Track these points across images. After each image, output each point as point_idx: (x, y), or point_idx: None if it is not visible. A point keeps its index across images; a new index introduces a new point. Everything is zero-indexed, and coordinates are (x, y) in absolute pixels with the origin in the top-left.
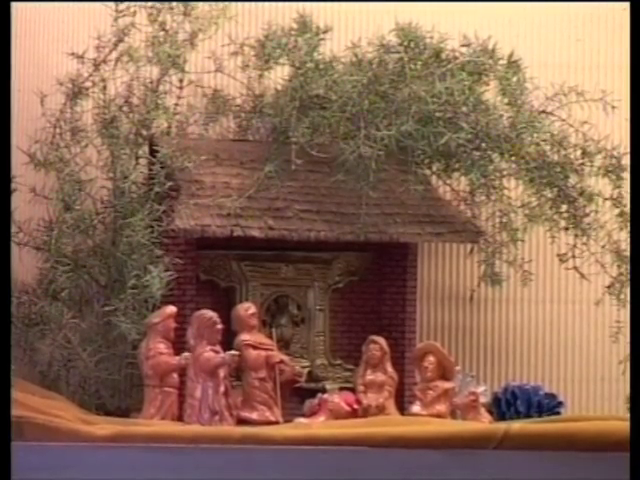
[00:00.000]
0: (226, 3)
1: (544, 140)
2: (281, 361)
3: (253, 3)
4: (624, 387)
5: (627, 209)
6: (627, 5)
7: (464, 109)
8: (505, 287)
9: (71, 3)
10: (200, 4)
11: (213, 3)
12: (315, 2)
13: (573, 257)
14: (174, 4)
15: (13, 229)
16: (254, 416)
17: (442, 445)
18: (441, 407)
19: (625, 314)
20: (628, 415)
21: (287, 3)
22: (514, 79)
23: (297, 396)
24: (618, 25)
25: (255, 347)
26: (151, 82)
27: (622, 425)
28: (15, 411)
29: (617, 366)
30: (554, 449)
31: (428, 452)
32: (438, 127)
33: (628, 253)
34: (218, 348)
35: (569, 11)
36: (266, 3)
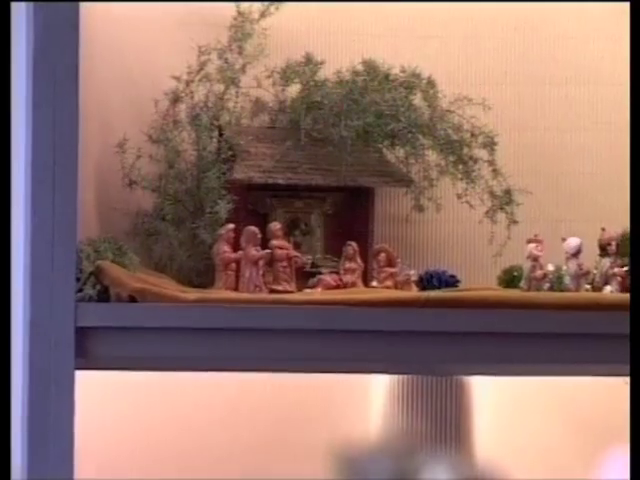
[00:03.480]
0: (263, 47)
1: (449, 127)
2: (295, 256)
3: (280, 50)
4: (495, 270)
5: (497, 168)
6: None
7: (402, 109)
8: (426, 213)
9: (172, 48)
10: (249, 51)
11: (258, 49)
12: (314, 2)
13: (465, 195)
14: (233, 48)
15: (139, 178)
16: (280, 288)
17: (388, 305)
18: (389, 283)
19: (495, 228)
20: (499, 287)
21: (300, 46)
22: (431, 91)
23: (304, 277)
24: (498, 51)
25: (280, 248)
26: (220, 93)
27: (495, 292)
28: (139, 285)
29: (491, 258)
30: (455, 308)
31: (380, 310)
32: (387, 120)
33: (498, 193)
34: (259, 249)
35: (465, 50)
36: (284, 49)
